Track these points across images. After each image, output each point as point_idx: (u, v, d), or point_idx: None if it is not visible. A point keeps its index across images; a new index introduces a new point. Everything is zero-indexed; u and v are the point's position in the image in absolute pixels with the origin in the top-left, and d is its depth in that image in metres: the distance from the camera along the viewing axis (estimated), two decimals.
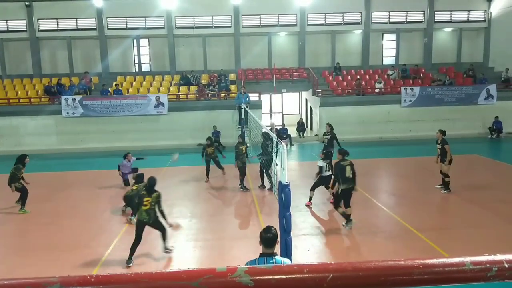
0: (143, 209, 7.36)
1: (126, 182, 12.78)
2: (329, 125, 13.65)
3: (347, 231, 8.77)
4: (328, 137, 13.39)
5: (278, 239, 4.03)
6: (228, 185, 12.78)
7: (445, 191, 11.22)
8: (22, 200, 10.70)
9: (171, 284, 1.01)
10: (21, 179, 10.75)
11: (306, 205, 10.36)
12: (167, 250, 7.82)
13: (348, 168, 8.67)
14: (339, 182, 8.72)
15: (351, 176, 8.69)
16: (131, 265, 7.36)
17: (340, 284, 1.03)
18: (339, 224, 9.20)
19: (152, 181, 7.48)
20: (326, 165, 10.14)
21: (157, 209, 7.44)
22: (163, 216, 7.52)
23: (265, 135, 11.71)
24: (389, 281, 1.05)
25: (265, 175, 11.97)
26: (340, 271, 1.05)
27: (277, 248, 4.03)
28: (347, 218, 8.82)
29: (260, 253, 3.92)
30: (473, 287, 1.40)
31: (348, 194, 8.75)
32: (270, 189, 11.40)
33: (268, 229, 3.99)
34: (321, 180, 10.23)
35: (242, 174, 12.08)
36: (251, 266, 1.06)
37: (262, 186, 12.18)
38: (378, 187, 12.70)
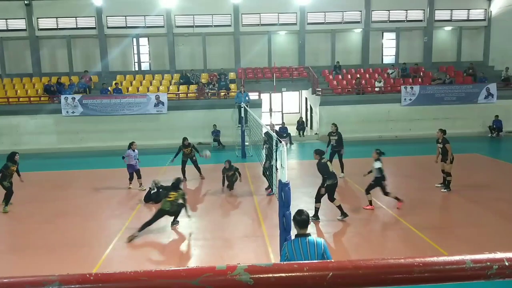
0: (167, 200, 8.79)
1: (131, 176, 12.42)
2: (334, 125, 13.54)
3: (347, 229, 8.78)
4: (336, 137, 13.31)
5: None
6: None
7: (445, 190, 11.22)
8: (6, 199, 10.64)
9: (171, 282, 1.01)
10: (11, 177, 10.70)
11: (364, 208, 9.89)
12: (175, 223, 9.11)
13: (329, 163, 9.25)
14: (328, 178, 8.96)
15: (333, 170, 9.22)
16: (136, 236, 8.32)
17: (340, 282, 1.03)
18: (338, 223, 9.21)
19: (178, 181, 9.13)
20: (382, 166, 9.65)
21: (179, 203, 8.92)
22: (186, 210, 9.01)
23: (267, 136, 11.57)
24: (389, 279, 1.04)
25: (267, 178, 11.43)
26: (340, 269, 1.04)
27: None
28: (342, 210, 9.24)
29: (296, 234, 4.40)
30: (473, 285, 1.40)
31: (333, 188, 9.11)
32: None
33: (300, 212, 4.47)
34: (377, 182, 9.66)
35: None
36: (251, 264, 1.05)
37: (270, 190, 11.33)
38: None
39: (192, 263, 7.27)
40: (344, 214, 9.24)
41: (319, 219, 9.29)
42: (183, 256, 7.74)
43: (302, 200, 10.69)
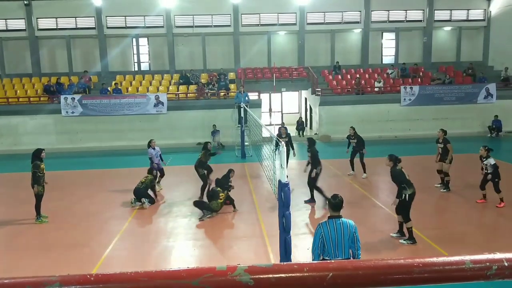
0: (219, 201, 9.73)
1: (162, 172, 12.45)
2: (353, 128, 13.49)
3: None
4: (355, 140, 13.25)
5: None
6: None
7: (445, 190, 11.23)
8: (37, 209, 9.49)
9: (171, 283, 1.01)
10: (44, 179, 9.41)
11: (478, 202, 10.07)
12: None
13: (403, 170, 8.22)
14: (407, 187, 7.71)
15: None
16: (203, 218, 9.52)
17: (340, 283, 1.03)
18: None
19: (225, 182, 10.07)
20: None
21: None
22: (233, 205, 10.09)
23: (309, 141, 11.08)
24: (389, 279, 1.05)
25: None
26: (340, 269, 1.05)
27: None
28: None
29: (329, 216, 4.88)
30: (473, 286, 1.40)
31: (412, 200, 7.85)
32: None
33: (335, 196, 4.99)
34: (495, 176, 9.69)
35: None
36: (251, 265, 1.05)
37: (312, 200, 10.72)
38: (377, 186, 12.70)
39: (192, 264, 7.26)
40: (412, 239, 7.77)
41: (415, 241, 7.72)
42: (183, 257, 7.74)
43: (301, 200, 10.71)
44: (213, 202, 9.65)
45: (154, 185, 11.31)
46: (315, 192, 10.40)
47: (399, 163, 7.87)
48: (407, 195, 7.62)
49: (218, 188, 9.92)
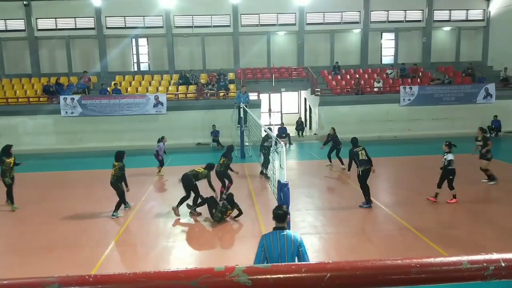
0: (221, 216, 9.38)
1: (161, 163, 14.21)
2: (333, 129, 14.55)
3: (346, 229, 8.79)
4: (331, 142, 14.40)
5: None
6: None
7: (493, 182, 11.72)
8: (9, 198, 10.58)
9: (169, 283, 1.01)
10: (11, 172, 10.45)
11: (428, 199, 10.42)
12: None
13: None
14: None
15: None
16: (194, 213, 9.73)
17: (338, 283, 1.04)
18: (337, 223, 9.22)
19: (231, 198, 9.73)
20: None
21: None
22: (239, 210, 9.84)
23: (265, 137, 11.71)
24: (387, 280, 1.05)
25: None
26: (337, 270, 1.05)
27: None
28: None
29: (273, 227, 4.62)
30: (470, 286, 1.40)
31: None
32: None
33: (279, 206, 4.83)
34: (449, 173, 10.04)
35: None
36: (250, 266, 1.06)
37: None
38: (377, 186, 12.71)
39: (191, 264, 7.26)
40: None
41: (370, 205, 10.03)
42: (181, 257, 7.73)
43: (301, 200, 10.71)
44: (218, 215, 9.24)
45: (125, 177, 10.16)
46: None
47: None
48: (360, 171, 9.81)
49: (229, 206, 9.40)
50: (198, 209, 9.91)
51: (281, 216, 4.62)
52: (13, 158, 10.67)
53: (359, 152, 10.00)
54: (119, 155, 10.05)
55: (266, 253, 4.39)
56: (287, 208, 4.78)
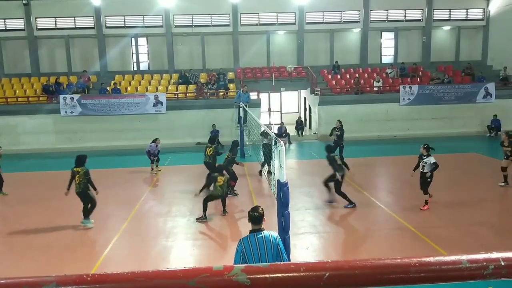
0: (218, 185, 9.46)
1: (152, 161, 14.45)
2: (339, 121, 14.28)
3: (345, 229, 8.79)
4: (339, 133, 14.25)
5: (265, 217, 4.67)
6: None
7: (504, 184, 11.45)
8: None
9: (168, 283, 1.01)
10: None
11: (421, 209, 9.75)
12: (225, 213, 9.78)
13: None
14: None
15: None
16: (205, 219, 9.36)
17: (337, 282, 1.03)
18: (337, 223, 9.22)
19: (220, 168, 9.93)
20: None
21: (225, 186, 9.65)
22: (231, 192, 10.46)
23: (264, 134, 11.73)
24: (386, 279, 1.05)
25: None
26: (336, 269, 1.05)
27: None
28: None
29: (250, 230, 4.51)
30: (469, 285, 1.40)
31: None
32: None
33: (255, 208, 4.62)
34: (430, 176, 9.60)
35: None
36: (248, 265, 1.06)
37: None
38: (377, 185, 12.72)
39: (190, 263, 7.26)
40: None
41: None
42: (182, 256, 7.74)
43: (300, 200, 10.71)
44: (215, 188, 9.51)
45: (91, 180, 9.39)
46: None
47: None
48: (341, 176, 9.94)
49: (215, 174, 9.77)
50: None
51: (257, 218, 4.53)
52: None
53: (336, 157, 10.22)
54: (81, 160, 9.15)
55: (245, 257, 4.29)
56: (263, 210, 4.67)
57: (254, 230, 4.50)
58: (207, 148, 11.80)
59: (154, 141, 14.53)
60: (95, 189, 9.08)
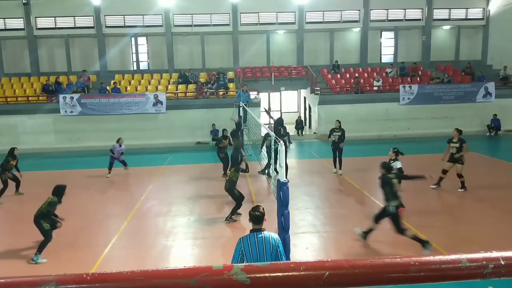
0: (234, 171, 9.47)
1: (110, 166, 13.94)
2: (338, 121, 13.68)
3: (345, 228, 8.78)
4: (339, 133, 13.69)
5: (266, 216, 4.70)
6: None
7: (462, 190, 10.95)
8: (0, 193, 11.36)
9: (167, 282, 1.01)
10: (10, 171, 11.49)
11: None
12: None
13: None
14: None
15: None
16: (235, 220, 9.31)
17: (336, 282, 1.03)
18: (337, 222, 9.22)
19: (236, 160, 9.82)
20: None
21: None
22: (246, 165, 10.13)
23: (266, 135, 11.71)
24: (386, 278, 1.05)
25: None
26: (336, 268, 1.04)
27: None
28: None
29: (250, 229, 4.52)
30: (469, 284, 1.40)
31: None
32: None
33: (256, 208, 4.66)
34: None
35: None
36: (248, 264, 1.06)
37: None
38: (377, 185, 12.70)
39: (190, 263, 7.27)
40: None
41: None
42: (182, 256, 7.74)
43: (300, 199, 10.71)
44: (234, 173, 9.48)
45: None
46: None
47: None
48: None
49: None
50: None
51: (258, 218, 4.54)
52: (15, 161, 11.64)
53: (394, 181, 8.86)
54: (59, 190, 8.03)
55: (243, 256, 4.30)
56: (263, 210, 4.68)
57: (254, 230, 4.51)
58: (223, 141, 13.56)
59: (117, 141, 14.22)
60: (56, 222, 8.05)
